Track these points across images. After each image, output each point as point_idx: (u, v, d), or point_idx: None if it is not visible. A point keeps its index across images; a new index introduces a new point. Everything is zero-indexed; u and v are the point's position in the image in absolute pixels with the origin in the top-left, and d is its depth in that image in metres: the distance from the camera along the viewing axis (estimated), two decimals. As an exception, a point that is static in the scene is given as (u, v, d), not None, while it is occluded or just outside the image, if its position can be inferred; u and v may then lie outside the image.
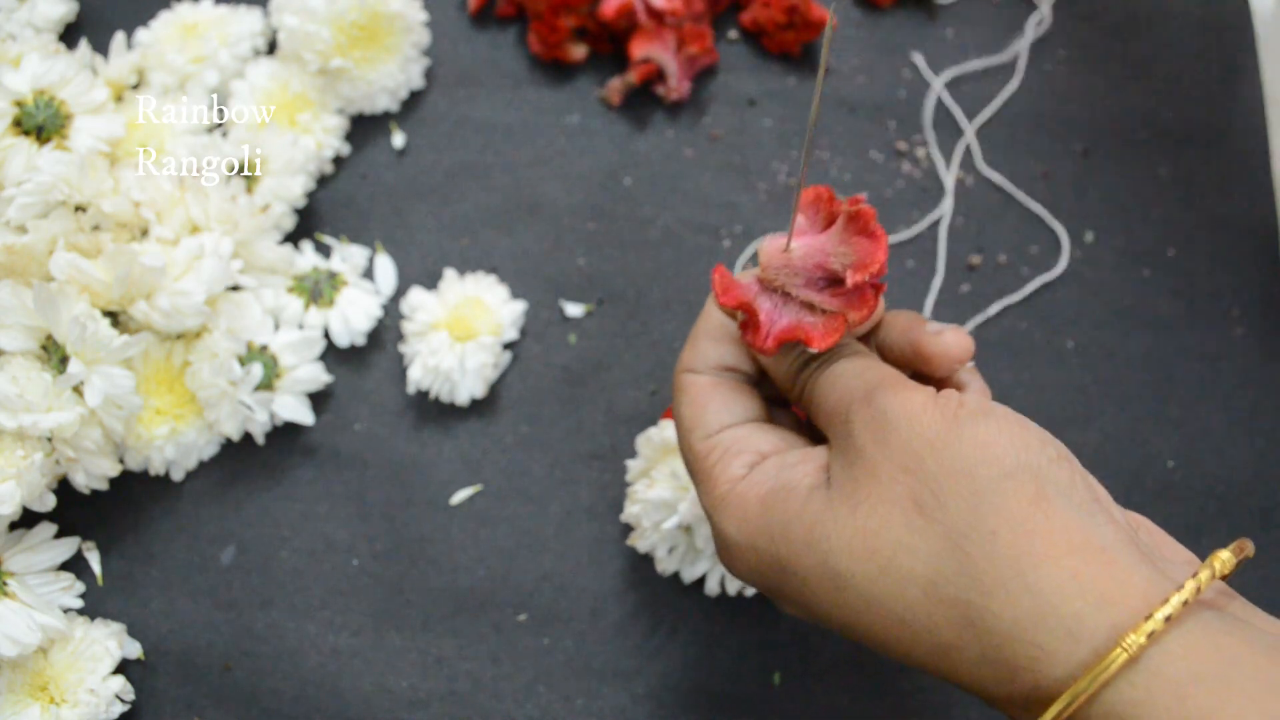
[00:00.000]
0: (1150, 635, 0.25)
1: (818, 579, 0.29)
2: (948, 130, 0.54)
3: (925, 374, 0.35)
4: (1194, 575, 0.26)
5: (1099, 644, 0.25)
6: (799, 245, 0.33)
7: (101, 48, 0.53)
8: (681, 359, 0.35)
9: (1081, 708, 0.25)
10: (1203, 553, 0.29)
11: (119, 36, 0.51)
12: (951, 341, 0.34)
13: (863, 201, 0.32)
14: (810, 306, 0.33)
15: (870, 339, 0.36)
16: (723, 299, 0.33)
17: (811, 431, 0.37)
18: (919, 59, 0.55)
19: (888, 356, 0.35)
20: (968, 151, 0.53)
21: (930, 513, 0.28)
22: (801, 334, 0.32)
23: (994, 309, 0.50)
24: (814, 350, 0.32)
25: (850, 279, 0.31)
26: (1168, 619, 0.25)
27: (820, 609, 0.30)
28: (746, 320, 0.33)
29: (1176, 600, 0.25)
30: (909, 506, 0.28)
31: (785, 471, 0.31)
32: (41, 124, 0.46)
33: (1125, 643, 0.25)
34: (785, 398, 0.36)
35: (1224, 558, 0.27)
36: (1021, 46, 0.55)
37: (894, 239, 0.51)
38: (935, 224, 0.52)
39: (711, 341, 0.35)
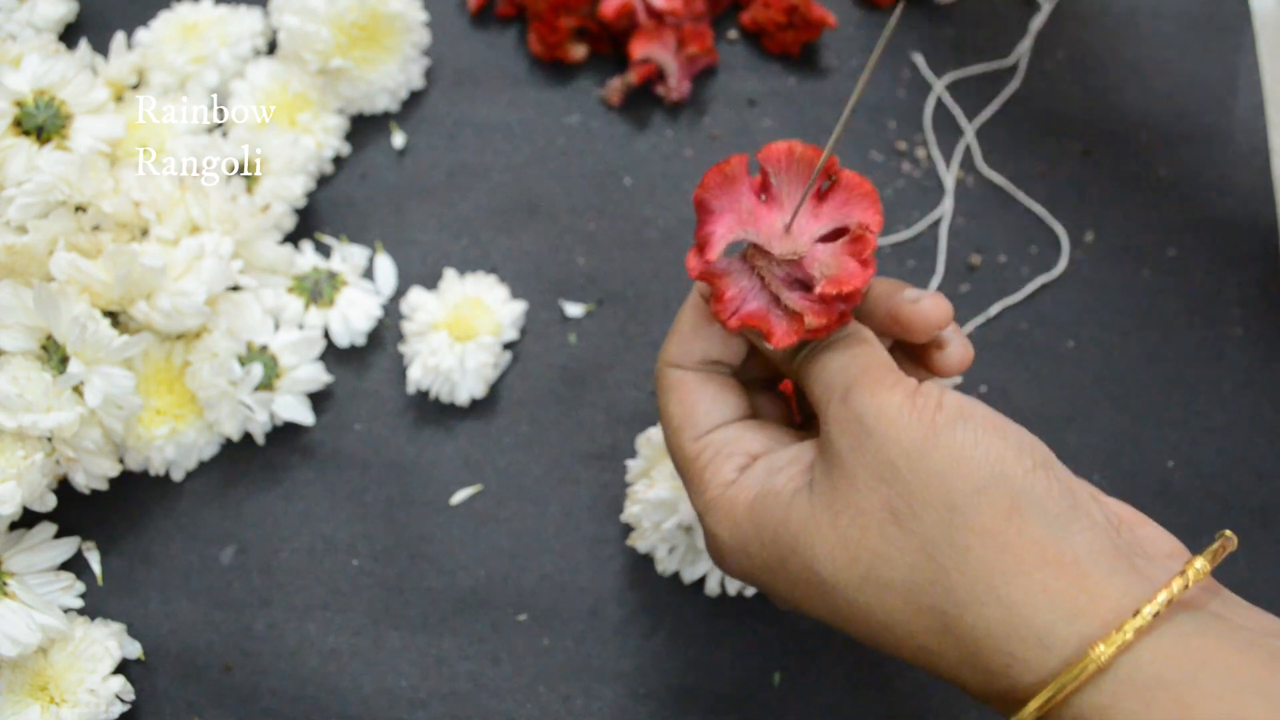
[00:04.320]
0: (1120, 646, 0.25)
1: (804, 582, 0.30)
2: (948, 130, 0.54)
3: (906, 340, 0.34)
4: (1167, 585, 0.26)
5: (1069, 654, 0.26)
6: (799, 229, 0.32)
7: (101, 48, 0.53)
8: (665, 352, 0.35)
9: (1053, 711, 0.26)
10: (1199, 551, 0.29)
11: (119, 36, 0.51)
12: (929, 308, 0.33)
13: (870, 230, 0.31)
14: (778, 300, 0.32)
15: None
16: (693, 266, 0.32)
17: (800, 408, 0.37)
18: (919, 59, 0.55)
19: (869, 324, 0.35)
20: (968, 151, 0.53)
21: (905, 523, 0.28)
22: (765, 326, 0.32)
23: (994, 309, 0.50)
24: (769, 346, 0.32)
25: (820, 288, 0.31)
26: (1138, 630, 0.25)
27: (810, 608, 0.31)
28: (715, 291, 0.33)
29: (1148, 611, 0.26)
30: (885, 517, 0.28)
31: (772, 477, 0.32)
32: (42, 124, 0.46)
33: (1094, 654, 0.25)
34: (779, 374, 0.36)
35: (1198, 566, 0.27)
36: (1022, 47, 0.55)
37: (894, 239, 0.51)
38: (935, 224, 0.52)
39: (696, 335, 0.34)
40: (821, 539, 0.29)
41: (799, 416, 0.38)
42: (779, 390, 0.38)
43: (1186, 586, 0.26)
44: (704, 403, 0.34)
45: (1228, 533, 0.28)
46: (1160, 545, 0.30)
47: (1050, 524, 0.27)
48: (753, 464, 0.33)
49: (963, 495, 0.28)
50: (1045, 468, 0.29)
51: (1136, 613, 0.25)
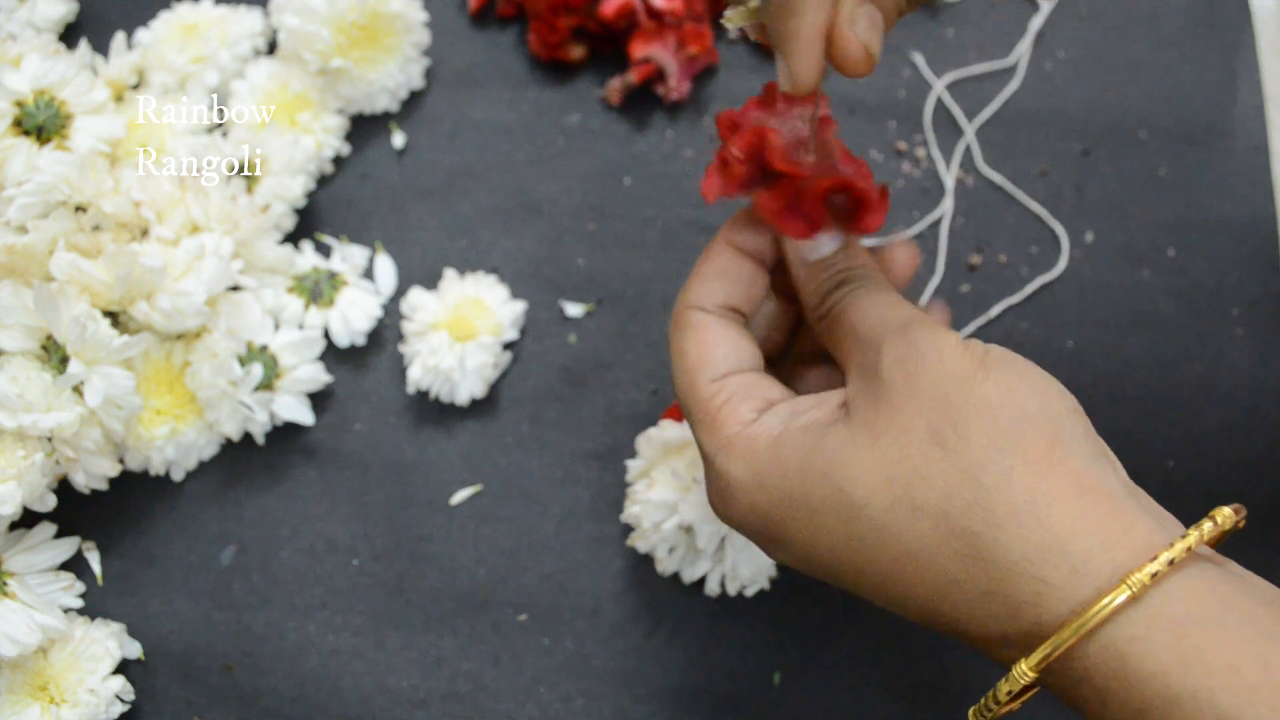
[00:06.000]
0: (1153, 576, 0.25)
1: (830, 509, 0.30)
2: (948, 130, 0.54)
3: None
4: (1198, 525, 0.27)
5: (1102, 582, 0.26)
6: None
7: (101, 48, 0.53)
8: (688, 293, 0.35)
9: (1079, 643, 0.26)
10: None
11: (119, 36, 0.51)
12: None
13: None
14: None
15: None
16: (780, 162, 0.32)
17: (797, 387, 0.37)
18: (919, 59, 0.55)
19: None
20: (968, 151, 0.53)
21: (950, 445, 0.28)
22: (855, 189, 0.32)
23: (994, 309, 0.50)
24: (867, 227, 0.33)
25: (868, 187, 0.33)
26: (1171, 562, 0.26)
27: (825, 547, 0.30)
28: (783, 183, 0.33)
29: (1180, 546, 0.26)
30: (929, 439, 0.29)
31: (799, 417, 0.32)
32: (42, 124, 0.46)
33: (1130, 580, 0.26)
34: (807, 317, 0.36)
35: (1225, 513, 0.28)
36: (1022, 47, 0.55)
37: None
38: (935, 224, 0.52)
39: (720, 280, 0.35)
40: (857, 460, 0.29)
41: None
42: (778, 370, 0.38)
43: (1216, 528, 0.27)
44: (724, 345, 0.34)
45: (1239, 505, 0.29)
46: (1167, 515, 0.30)
47: (1086, 459, 0.28)
48: (771, 408, 0.33)
49: (1010, 422, 0.28)
50: (1083, 415, 0.30)
51: (1170, 545, 0.26)
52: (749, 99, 0.34)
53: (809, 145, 0.33)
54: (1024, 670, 0.27)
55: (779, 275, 0.36)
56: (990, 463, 0.28)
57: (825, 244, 0.34)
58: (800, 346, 0.37)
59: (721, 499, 0.33)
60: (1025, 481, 0.27)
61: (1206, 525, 0.27)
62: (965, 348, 0.30)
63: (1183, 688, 0.25)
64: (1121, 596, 0.25)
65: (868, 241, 0.36)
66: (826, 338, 0.34)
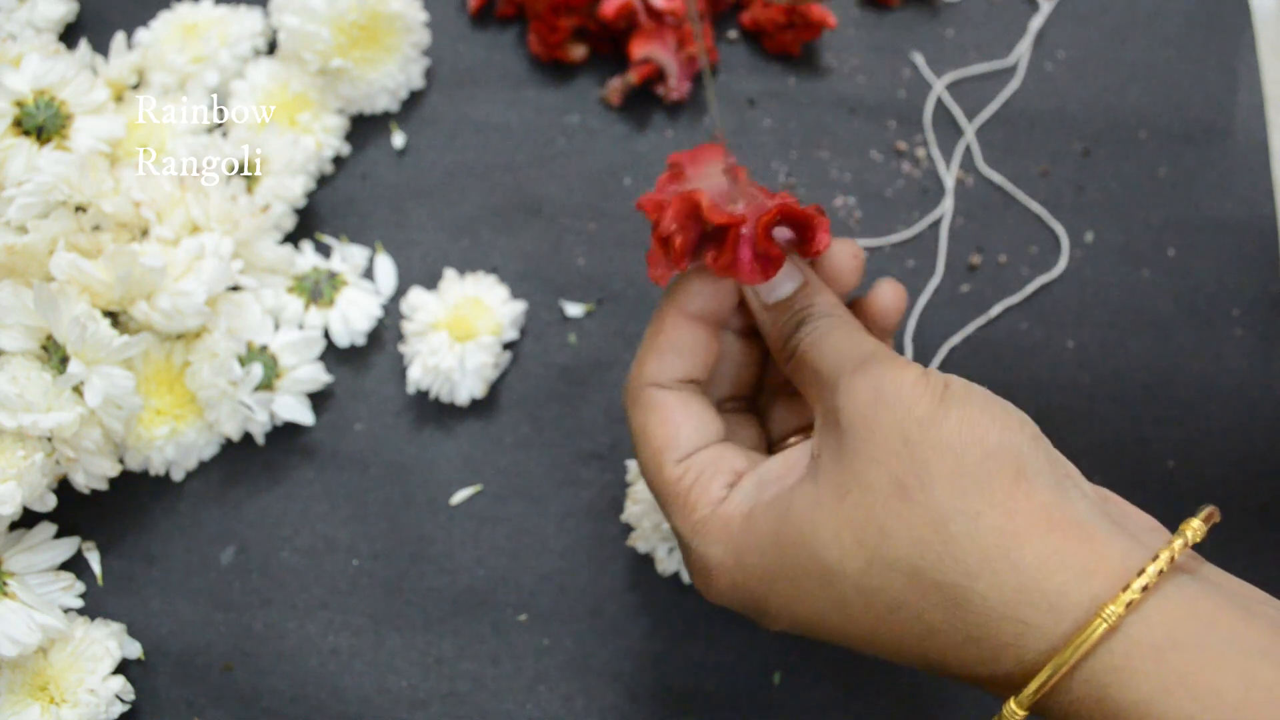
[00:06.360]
0: (1128, 605, 0.26)
1: (807, 576, 0.30)
2: (948, 130, 0.54)
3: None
4: (1168, 544, 0.27)
5: (1080, 616, 0.26)
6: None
7: (101, 48, 0.53)
8: (643, 370, 0.34)
9: (1064, 678, 0.26)
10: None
11: (119, 36, 0.51)
12: (836, 249, 0.35)
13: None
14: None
15: None
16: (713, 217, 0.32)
17: (768, 434, 0.37)
18: (919, 59, 0.55)
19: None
20: (968, 151, 0.53)
21: (913, 495, 0.28)
22: (795, 214, 0.32)
23: (994, 309, 0.50)
24: (818, 247, 0.32)
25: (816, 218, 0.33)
26: (1145, 588, 0.26)
27: (810, 612, 0.30)
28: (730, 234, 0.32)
29: (1152, 570, 0.26)
30: (892, 492, 0.28)
31: (767, 487, 0.31)
32: (42, 124, 0.46)
33: (1105, 613, 0.26)
34: (776, 360, 0.35)
35: (1195, 525, 0.28)
36: (1022, 47, 0.55)
37: (894, 239, 0.52)
38: (935, 224, 0.52)
39: (674, 353, 0.34)
40: (826, 523, 0.29)
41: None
42: (747, 412, 0.38)
43: (1186, 545, 0.27)
44: (687, 423, 0.33)
45: (1212, 506, 0.29)
46: (1141, 520, 0.30)
47: (1052, 489, 0.28)
48: (740, 480, 0.32)
49: (974, 461, 0.28)
50: (1043, 440, 0.30)
51: (1142, 571, 0.26)
52: (658, 179, 0.34)
53: (734, 194, 0.33)
54: (1014, 710, 0.27)
55: (742, 315, 0.35)
56: (956, 509, 0.28)
57: (783, 285, 0.33)
58: (771, 380, 0.37)
59: (703, 580, 0.32)
60: (994, 524, 0.27)
61: (1177, 543, 0.27)
62: (924, 382, 0.30)
63: (1164, 715, 0.25)
64: (1099, 630, 0.25)
65: (859, 291, 0.36)
66: (795, 380, 0.33)
